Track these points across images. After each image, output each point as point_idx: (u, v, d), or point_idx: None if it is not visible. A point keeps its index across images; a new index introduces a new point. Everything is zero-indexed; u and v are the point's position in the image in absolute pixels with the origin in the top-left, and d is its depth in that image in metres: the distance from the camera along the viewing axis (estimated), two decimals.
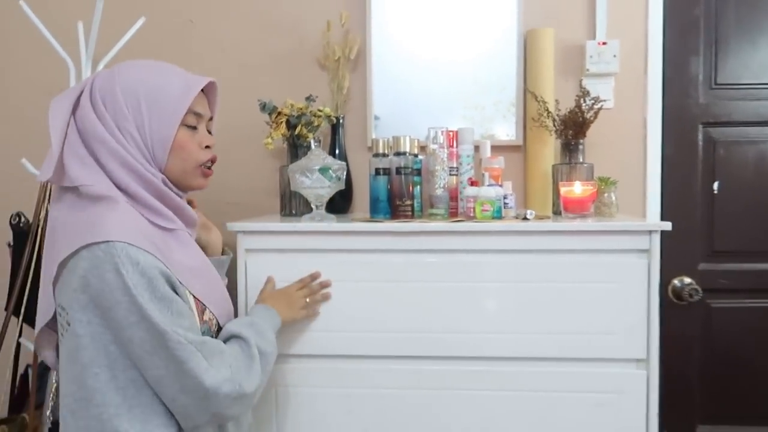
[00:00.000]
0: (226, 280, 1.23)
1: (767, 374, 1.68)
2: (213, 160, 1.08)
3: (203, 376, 0.90)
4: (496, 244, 1.26)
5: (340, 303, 1.28)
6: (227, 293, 1.14)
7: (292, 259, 1.29)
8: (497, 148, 1.62)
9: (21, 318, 1.45)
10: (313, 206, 1.35)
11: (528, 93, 1.62)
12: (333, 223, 1.28)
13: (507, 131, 1.68)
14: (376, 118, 1.71)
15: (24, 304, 1.42)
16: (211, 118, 1.10)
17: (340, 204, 1.59)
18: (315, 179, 1.29)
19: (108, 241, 0.87)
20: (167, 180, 1.02)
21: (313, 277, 1.26)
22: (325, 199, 1.34)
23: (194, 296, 1.00)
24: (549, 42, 1.61)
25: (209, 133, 1.10)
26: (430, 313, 1.27)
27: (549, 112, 1.54)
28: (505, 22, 1.67)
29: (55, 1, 1.73)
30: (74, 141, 0.96)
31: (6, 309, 1.47)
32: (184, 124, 1.01)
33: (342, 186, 1.34)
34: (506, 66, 1.67)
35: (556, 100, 1.58)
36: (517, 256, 1.26)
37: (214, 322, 1.05)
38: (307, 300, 1.24)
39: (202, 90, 1.06)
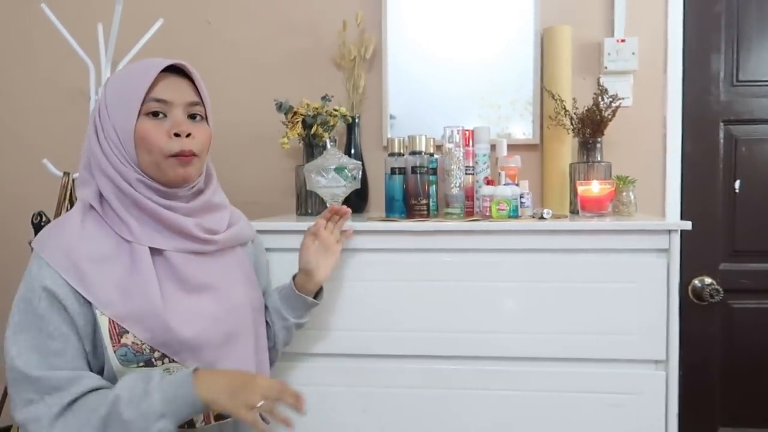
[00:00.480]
0: (301, 321, 1.18)
1: None
2: (184, 152, 0.95)
3: (16, 408, 0.88)
4: (512, 243, 1.25)
5: (356, 302, 1.28)
6: (184, 320, 0.95)
7: None
8: (514, 147, 1.62)
9: None
10: (328, 205, 1.35)
11: (545, 91, 1.60)
12: (348, 222, 1.28)
13: (524, 130, 1.67)
14: (392, 117, 1.71)
15: None
16: (197, 104, 1.00)
17: (356, 203, 1.59)
18: (330, 178, 1.30)
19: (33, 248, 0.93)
20: (145, 179, 0.95)
21: (296, 397, 0.94)
22: (341, 199, 1.34)
23: (110, 318, 0.91)
24: (566, 40, 1.60)
25: (203, 119, 1.01)
26: (446, 312, 1.26)
27: (566, 111, 1.53)
28: (521, 21, 1.66)
29: (75, 3, 1.76)
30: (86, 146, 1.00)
31: None
32: (146, 113, 0.94)
33: (358, 185, 1.35)
34: (523, 64, 1.66)
35: (574, 99, 1.56)
36: (534, 256, 1.25)
37: (146, 347, 0.92)
38: (260, 404, 0.90)
39: (190, 78, 0.99)
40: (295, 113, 1.50)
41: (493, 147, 1.51)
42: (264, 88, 1.73)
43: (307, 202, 1.53)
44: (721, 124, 1.67)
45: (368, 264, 1.28)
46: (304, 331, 1.27)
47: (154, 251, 0.95)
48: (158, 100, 0.95)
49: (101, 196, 0.95)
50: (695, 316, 1.66)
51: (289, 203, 1.70)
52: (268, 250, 1.29)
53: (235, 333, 1.02)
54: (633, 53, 1.62)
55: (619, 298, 1.23)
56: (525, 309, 1.25)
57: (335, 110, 1.54)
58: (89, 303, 0.90)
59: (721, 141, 1.67)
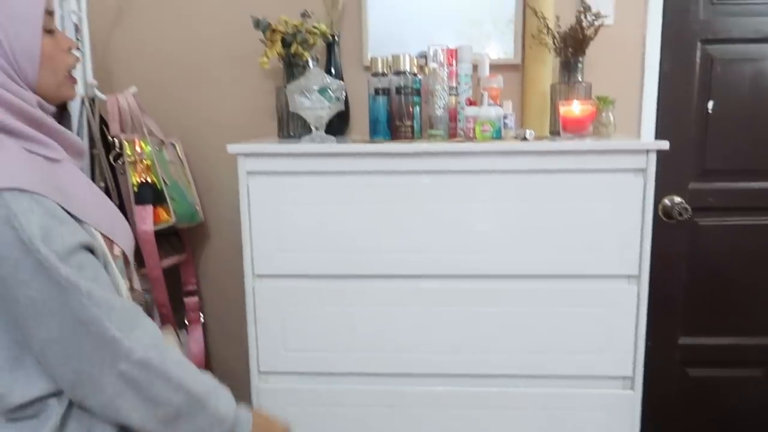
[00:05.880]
0: None
1: (747, 289, 1.76)
2: (76, 62, 0.93)
3: (114, 335, 0.79)
4: (495, 164, 1.27)
5: (343, 224, 1.29)
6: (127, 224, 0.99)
7: (292, 181, 1.29)
8: (495, 67, 1.60)
9: None
10: (312, 128, 1.33)
11: (527, 8, 1.57)
12: (335, 145, 1.28)
13: (505, 49, 1.65)
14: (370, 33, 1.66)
15: None
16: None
17: (337, 125, 1.56)
18: (314, 100, 1.28)
19: None
20: (42, 100, 0.87)
21: None
22: (325, 121, 1.33)
23: (101, 233, 0.87)
24: None
25: None
26: (430, 233, 1.29)
27: (549, 29, 1.51)
28: None
29: None
30: None
31: None
32: (45, 29, 0.85)
33: (341, 107, 1.33)
34: None
35: (557, 17, 1.54)
36: (517, 177, 1.27)
37: (122, 257, 0.92)
38: None
39: None
40: (274, 31, 1.44)
41: (474, 67, 1.49)
42: (240, 3, 1.65)
43: (289, 125, 1.50)
44: (699, 43, 1.67)
45: (353, 186, 1.29)
46: (287, 253, 1.30)
47: None
48: (49, 13, 0.86)
49: None
50: (664, 234, 1.73)
51: (270, 125, 1.67)
52: (253, 173, 1.29)
53: None
54: None
55: (596, 217, 1.27)
56: (507, 228, 1.29)
57: (315, 27, 1.49)
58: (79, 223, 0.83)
59: (698, 61, 1.68)
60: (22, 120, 0.82)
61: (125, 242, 0.94)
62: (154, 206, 1.48)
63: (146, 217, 1.45)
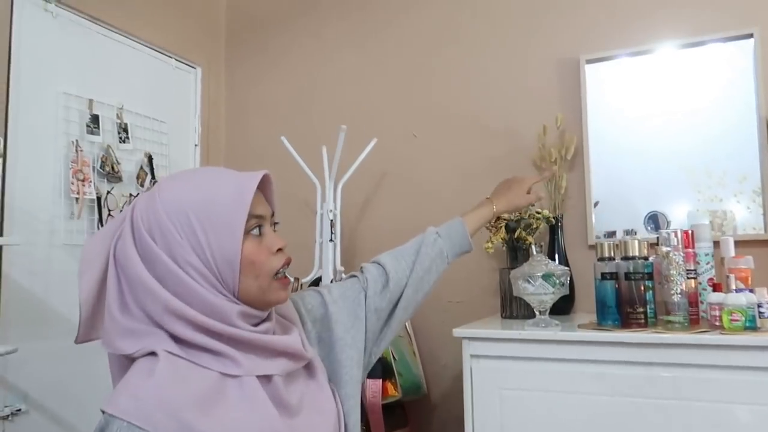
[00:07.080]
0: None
1: None
2: (287, 263, 0.85)
3: None
4: (750, 360, 1.11)
5: (570, 415, 1.22)
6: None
7: (516, 366, 1.28)
8: (742, 244, 1.46)
9: None
10: (536, 311, 1.34)
11: None
12: (560, 332, 1.25)
13: (753, 224, 1.51)
14: (596, 204, 1.66)
15: None
16: (272, 214, 0.89)
17: (560, 306, 1.54)
18: (538, 285, 1.29)
19: (111, 414, 0.70)
20: (248, 309, 0.81)
21: None
22: (549, 305, 1.32)
23: None
24: None
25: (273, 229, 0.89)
26: None
27: None
28: (739, 107, 1.55)
29: (305, 132, 2.04)
30: (112, 288, 0.79)
31: None
32: (247, 233, 0.81)
33: (566, 291, 1.32)
34: (745, 154, 1.53)
35: None
36: None
37: None
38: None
39: (257, 188, 0.85)
40: (498, 218, 1.53)
41: (715, 244, 1.38)
42: (467, 192, 1.80)
43: (512, 305, 1.53)
44: None
45: (580, 375, 1.22)
46: None
47: (260, 378, 0.81)
48: (257, 217, 0.83)
49: (176, 340, 0.78)
50: None
51: (492, 303, 1.71)
52: (476, 356, 1.31)
53: None
54: None
55: None
56: None
57: (538, 213, 1.55)
58: None
59: None
60: (207, 333, 0.77)
61: None
62: (383, 380, 1.57)
63: (376, 391, 1.55)
